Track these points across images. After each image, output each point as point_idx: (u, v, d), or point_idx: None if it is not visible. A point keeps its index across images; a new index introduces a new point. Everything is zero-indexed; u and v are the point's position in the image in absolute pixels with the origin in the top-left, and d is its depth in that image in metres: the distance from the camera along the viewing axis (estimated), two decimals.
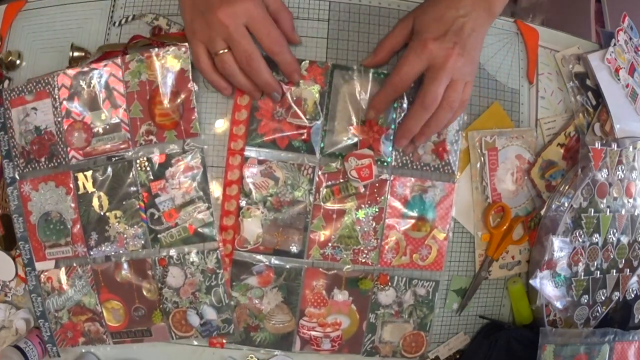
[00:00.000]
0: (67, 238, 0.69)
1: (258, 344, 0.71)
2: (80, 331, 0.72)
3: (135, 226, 0.68)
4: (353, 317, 0.71)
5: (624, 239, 0.76)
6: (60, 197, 0.69)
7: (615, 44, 0.76)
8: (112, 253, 0.69)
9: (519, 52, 0.74)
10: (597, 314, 0.76)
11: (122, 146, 0.67)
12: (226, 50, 0.60)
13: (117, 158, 0.68)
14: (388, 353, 0.73)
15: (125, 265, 0.69)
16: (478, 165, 0.72)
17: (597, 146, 0.72)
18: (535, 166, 0.73)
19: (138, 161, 0.67)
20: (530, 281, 0.71)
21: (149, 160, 0.67)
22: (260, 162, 0.68)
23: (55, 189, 0.69)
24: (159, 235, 0.68)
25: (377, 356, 0.73)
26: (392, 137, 0.69)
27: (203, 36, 0.61)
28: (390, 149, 0.69)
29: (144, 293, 0.70)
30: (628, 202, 0.76)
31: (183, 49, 0.65)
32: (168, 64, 0.66)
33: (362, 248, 0.69)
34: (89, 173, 0.68)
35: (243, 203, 0.68)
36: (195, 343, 0.71)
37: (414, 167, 0.70)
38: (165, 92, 0.66)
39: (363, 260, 0.70)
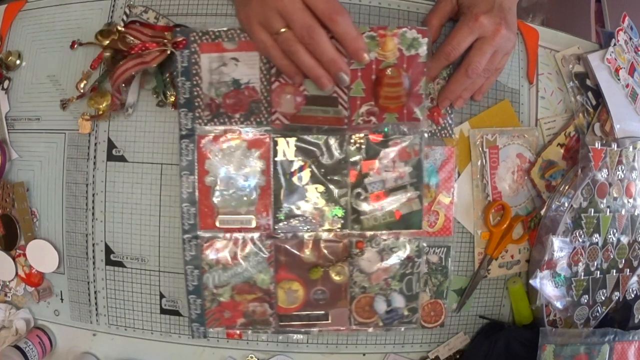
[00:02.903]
0: (250, 207, 0.64)
1: None
2: (242, 311, 0.67)
3: (336, 204, 0.65)
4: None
5: (624, 239, 0.76)
6: (250, 160, 0.64)
7: (615, 44, 0.76)
8: (306, 229, 0.65)
9: (519, 52, 0.74)
10: (597, 314, 0.76)
11: (336, 122, 0.63)
12: (284, 29, 0.56)
13: (331, 132, 0.64)
14: None
15: (315, 245, 0.65)
16: (479, 163, 0.72)
17: (597, 146, 0.72)
18: (535, 166, 0.73)
19: (353, 137, 0.64)
20: (530, 281, 0.71)
21: (366, 137, 0.64)
22: None
23: (247, 150, 0.64)
24: (361, 217, 0.65)
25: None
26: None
27: (259, 18, 0.57)
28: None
29: (332, 275, 0.66)
30: (628, 202, 0.76)
31: (421, 34, 0.63)
32: (403, 46, 0.63)
33: None
34: (292, 140, 0.63)
35: None
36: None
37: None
38: (397, 74, 0.63)
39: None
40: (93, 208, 0.71)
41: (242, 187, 0.64)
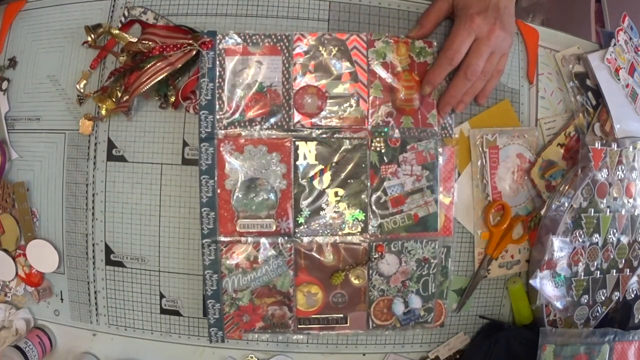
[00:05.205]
0: (271, 211, 0.64)
1: None
2: (261, 315, 0.67)
3: (356, 207, 0.66)
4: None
5: (624, 239, 0.76)
6: (271, 164, 0.64)
7: (615, 44, 0.76)
8: (327, 233, 0.66)
9: (519, 52, 0.74)
10: (597, 314, 0.76)
11: (356, 123, 0.65)
12: None
13: (351, 136, 0.65)
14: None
15: (335, 248, 0.66)
16: (479, 163, 0.72)
17: (597, 146, 0.72)
18: (535, 166, 0.73)
19: (374, 142, 0.65)
20: (530, 281, 0.70)
21: (385, 142, 0.65)
22: None
23: (267, 154, 0.64)
24: (381, 220, 0.66)
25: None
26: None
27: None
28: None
29: (352, 279, 0.67)
30: (628, 202, 0.76)
31: (427, 45, 0.68)
32: (413, 53, 0.67)
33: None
34: (313, 143, 0.64)
35: None
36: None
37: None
38: (409, 77, 0.67)
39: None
40: (93, 208, 0.71)
41: (263, 190, 0.65)
